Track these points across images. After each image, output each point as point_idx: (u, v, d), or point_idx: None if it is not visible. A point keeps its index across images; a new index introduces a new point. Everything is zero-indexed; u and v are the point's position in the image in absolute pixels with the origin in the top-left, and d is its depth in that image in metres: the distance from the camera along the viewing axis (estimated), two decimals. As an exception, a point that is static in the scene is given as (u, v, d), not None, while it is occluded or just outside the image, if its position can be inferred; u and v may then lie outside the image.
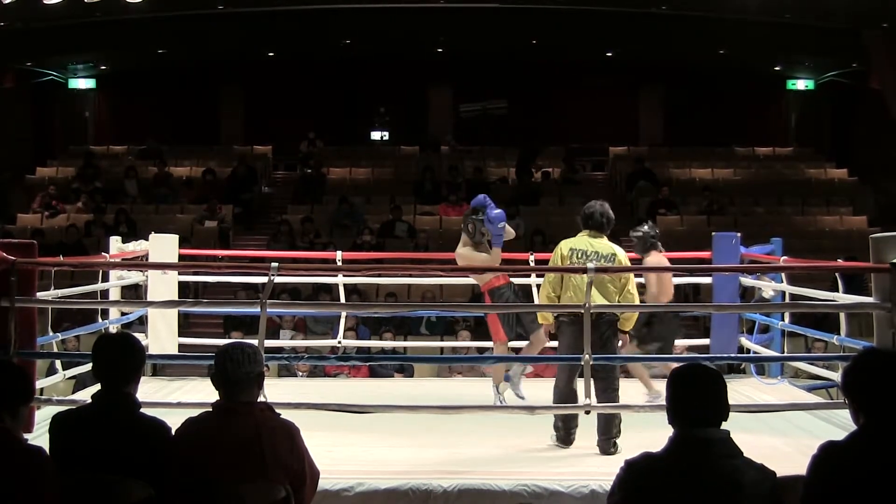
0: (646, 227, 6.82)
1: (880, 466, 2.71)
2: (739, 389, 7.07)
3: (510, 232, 6.34)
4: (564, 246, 5.55)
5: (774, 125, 20.63)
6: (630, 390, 7.14)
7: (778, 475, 2.95)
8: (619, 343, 5.66)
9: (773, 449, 5.10)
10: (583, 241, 5.53)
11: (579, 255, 5.47)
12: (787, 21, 15.14)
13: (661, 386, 6.26)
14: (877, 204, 16.50)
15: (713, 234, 7.95)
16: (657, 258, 6.73)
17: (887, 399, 2.81)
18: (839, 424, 5.64)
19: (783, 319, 7.40)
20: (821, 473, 2.79)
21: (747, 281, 7.64)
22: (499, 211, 6.21)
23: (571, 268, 5.51)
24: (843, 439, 2.86)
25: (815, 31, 15.62)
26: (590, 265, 5.27)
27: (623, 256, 5.54)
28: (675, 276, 8.86)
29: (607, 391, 5.43)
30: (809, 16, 14.80)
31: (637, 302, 5.67)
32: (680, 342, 8.52)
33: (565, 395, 5.51)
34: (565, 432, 5.53)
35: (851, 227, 15.46)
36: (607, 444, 5.40)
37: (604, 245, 5.50)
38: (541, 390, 6.37)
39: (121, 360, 3.56)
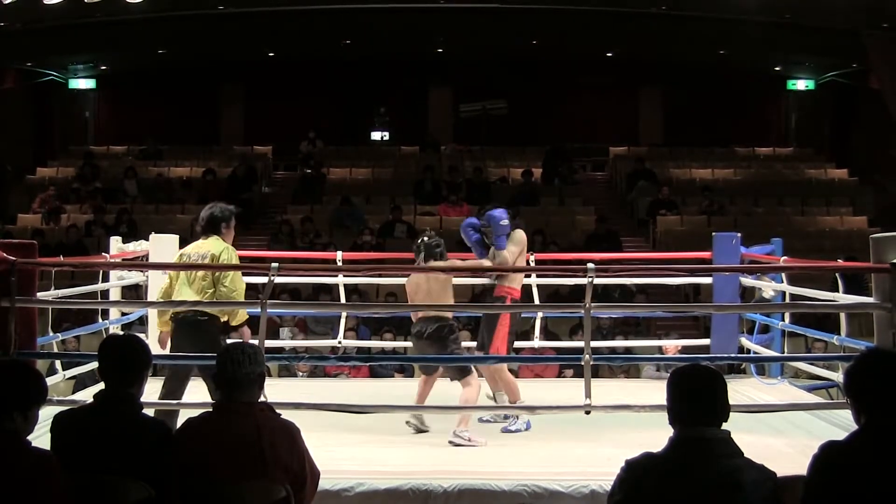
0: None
1: (881, 466, 2.71)
2: (739, 389, 7.06)
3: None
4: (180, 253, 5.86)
5: (774, 125, 20.64)
6: (634, 391, 7.17)
7: (778, 475, 2.95)
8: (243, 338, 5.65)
9: (773, 449, 5.10)
10: (193, 246, 5.72)
11: (184, 258, 5.70)
12: (787, 21, 15.13)
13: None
14: (877, 204, 16.50)
15: (713, 234, 7.94)
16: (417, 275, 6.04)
17: (888, 399, 2.81)
18: (839, 424, 5.63)
19: (783, 319, 7.39)
20: (821, 473, 2.79)
21: (747, 281, 7.63)
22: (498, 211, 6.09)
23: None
24: (843, 439, 2.87)
25: (815, 31, 15.59)
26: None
27: (220, 254, 5.54)
28: (673, 275, 8.92)
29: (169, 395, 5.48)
30: (809, 16, 14.77)
31: (241, 298, 5.63)
32: (679, 342, 8.55)
33: (162, 395, 5.54)
34: None
35: (851, 227, 15.45)
36: None
37: (206, 245, 5.61)
38: (541, 390, 6.37)
39: (125, 361, 3.56)
